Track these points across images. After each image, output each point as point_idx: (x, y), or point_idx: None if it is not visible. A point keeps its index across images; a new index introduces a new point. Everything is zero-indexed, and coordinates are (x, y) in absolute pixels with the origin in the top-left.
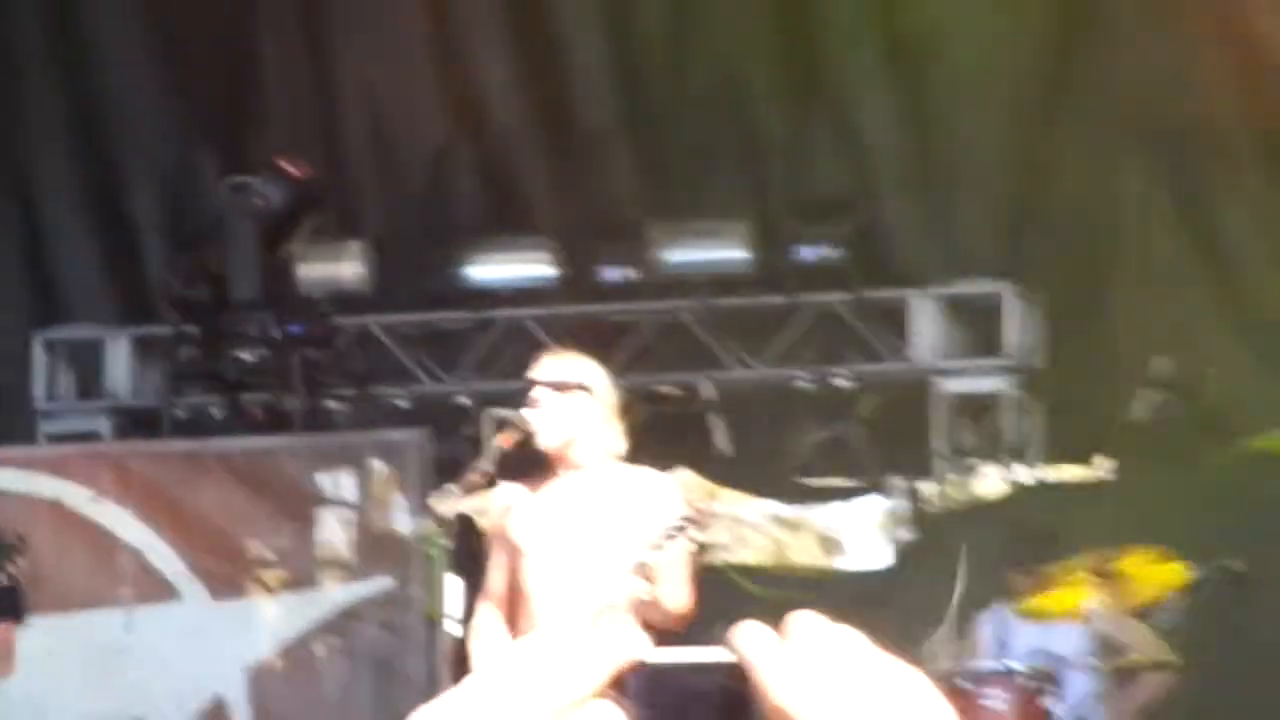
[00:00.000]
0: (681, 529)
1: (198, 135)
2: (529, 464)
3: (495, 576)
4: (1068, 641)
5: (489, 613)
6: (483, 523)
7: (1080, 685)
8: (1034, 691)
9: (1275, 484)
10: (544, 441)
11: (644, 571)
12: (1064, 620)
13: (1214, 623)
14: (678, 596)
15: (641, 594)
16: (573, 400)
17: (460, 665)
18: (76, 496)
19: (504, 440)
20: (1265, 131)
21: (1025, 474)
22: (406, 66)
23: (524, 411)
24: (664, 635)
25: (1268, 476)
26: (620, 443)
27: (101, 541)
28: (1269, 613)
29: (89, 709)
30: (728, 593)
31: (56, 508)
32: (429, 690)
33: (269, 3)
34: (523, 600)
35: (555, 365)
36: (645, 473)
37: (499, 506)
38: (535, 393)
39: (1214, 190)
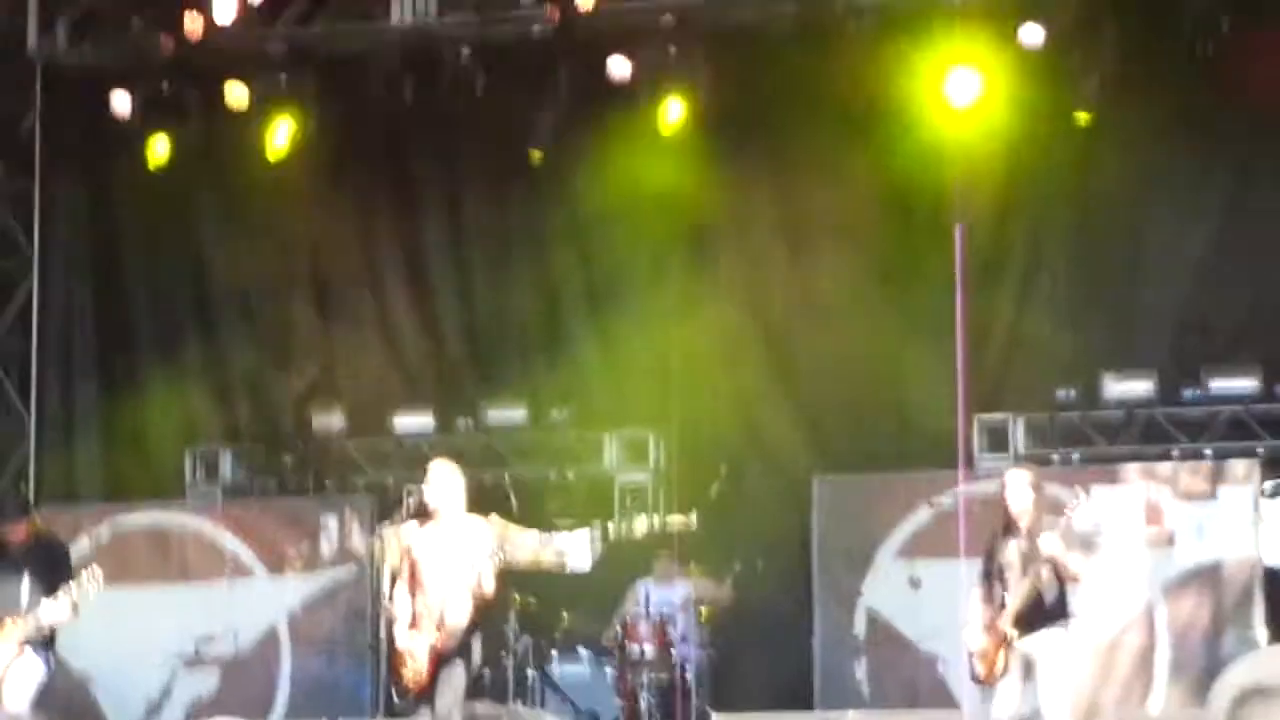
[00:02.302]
0: (495, 554)
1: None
2: (423, 513)
3: (402, 569)
4: (679, 599)
5: (401, 589)
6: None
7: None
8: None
9: None
10: (430, 503)
11: (477, 573)
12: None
13: None
14: (491, 585)
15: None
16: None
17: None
18: (206, 526)
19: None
20: None
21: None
22: None
23: (422, 487)
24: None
25: None
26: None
27: (215, 547)
28: None
29: (206, 631)
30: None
31: (199, 531)
32: (374, 621)
33: None
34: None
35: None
36: (475, 518)
37: (406, 534)
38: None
39: None
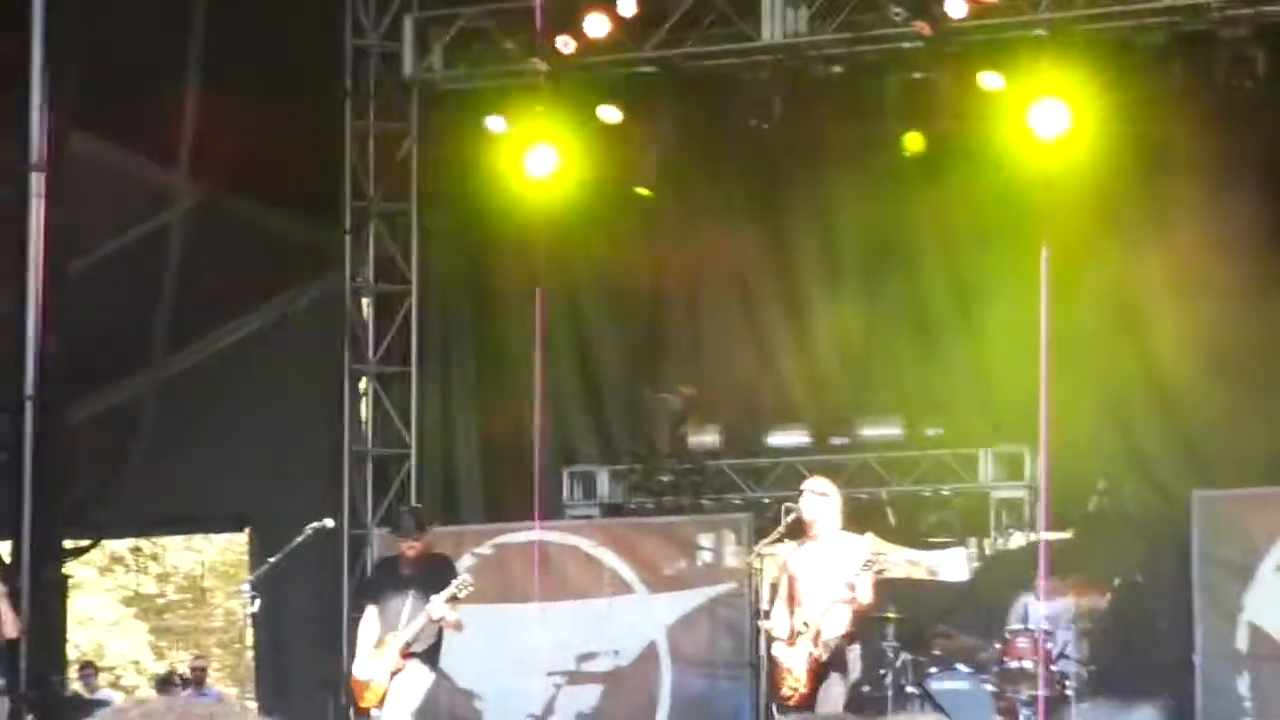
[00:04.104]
0: (869, 564)
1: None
2: (799, 531)
3: (780, 586)
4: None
5: (779, 606)
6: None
7: None
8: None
9: None
10: (807, 519)
11: (850, 586)
12: None
13: None
14: (867, 597)
15: (849, 596)
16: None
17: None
18: (585, 544)
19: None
20: None
21: None
22: None
23: (800, 505)
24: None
25: None
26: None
27: (595, 565)
28: None
29: (588, 648)
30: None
31: (577, 549)
32: (753, 638)
33: None
34: (795, 600)
35: (814, 483)
36: (852, 536)
37: (783, 552)
38: (804, 496)
39: None
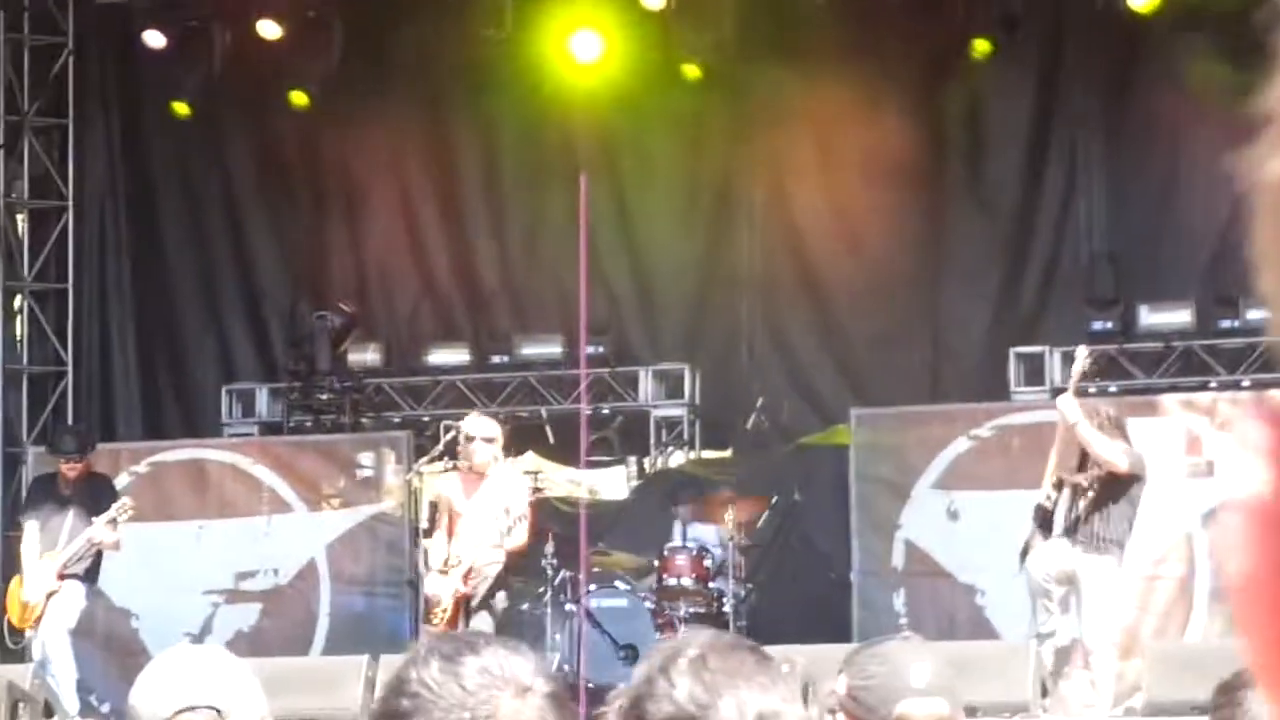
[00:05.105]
0: (521, 517)
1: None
2: (455, 453)
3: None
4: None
5: (439, 535)
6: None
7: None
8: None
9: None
10: (477, 463)
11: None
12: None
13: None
14: (521, 539)
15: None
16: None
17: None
18: (243, 462)
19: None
20: None
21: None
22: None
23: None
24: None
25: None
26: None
27: (254, 484)
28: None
29: (246, 566)
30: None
31: (235, 468)
32: (409, 554)
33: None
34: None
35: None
36: (512, 469)
37: (447, 485)
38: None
39: None
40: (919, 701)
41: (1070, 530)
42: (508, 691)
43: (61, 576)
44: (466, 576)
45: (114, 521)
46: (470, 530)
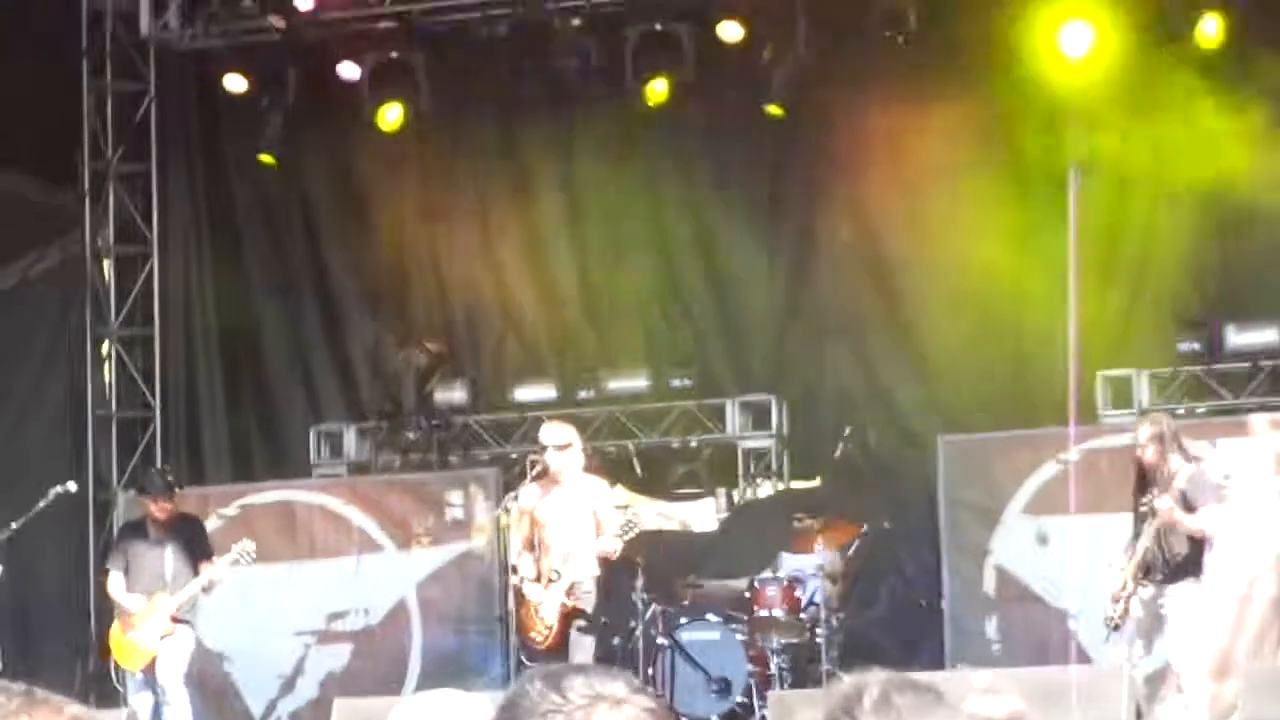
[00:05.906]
0: (626, 527)
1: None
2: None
3: (525, 535)
4: (809, 563)
5: (525, 553)
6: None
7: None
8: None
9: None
10: (552, 470)
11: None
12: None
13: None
14: (614, 548)
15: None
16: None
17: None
18: (332, 503)
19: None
20: None
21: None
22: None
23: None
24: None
25: None
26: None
27: (344, 524)
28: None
29: (337, 607)
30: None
31: (324, 508)
32: (500, 591)
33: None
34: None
35: (552, 434)
36: (593, 478)
37: (529, 499)
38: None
39: None
40: None
41: (1150, 566)
42: (605, 703)
43: (175, 620)
44: (569, 592)
45: (237, 563)
46: (557, 539)
